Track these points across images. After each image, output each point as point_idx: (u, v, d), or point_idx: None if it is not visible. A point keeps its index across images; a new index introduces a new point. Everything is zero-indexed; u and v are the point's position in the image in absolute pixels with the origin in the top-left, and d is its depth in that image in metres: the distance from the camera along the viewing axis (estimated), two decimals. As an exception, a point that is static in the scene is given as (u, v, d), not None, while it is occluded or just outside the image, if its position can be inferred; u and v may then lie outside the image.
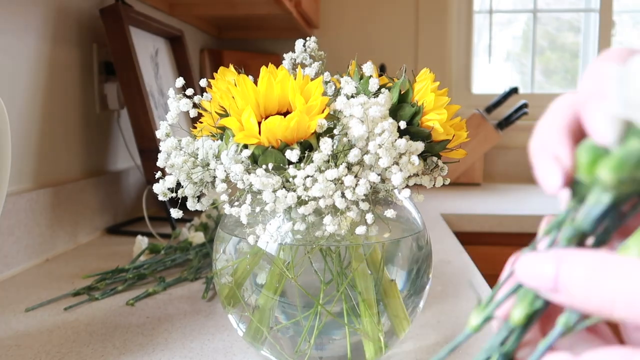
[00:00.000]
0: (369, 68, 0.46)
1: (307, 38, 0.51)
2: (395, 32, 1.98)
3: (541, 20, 2.06)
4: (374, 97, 0.43)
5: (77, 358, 0.54)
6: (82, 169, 1.03)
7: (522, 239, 1.39)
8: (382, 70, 1.85)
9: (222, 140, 0.45)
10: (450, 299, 0.71)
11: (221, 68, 0.49)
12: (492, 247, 1.38)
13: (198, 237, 0.90)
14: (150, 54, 1.17)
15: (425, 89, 0.45)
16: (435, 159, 0.47)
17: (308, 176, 0.40)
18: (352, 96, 0.43)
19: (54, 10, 0.93)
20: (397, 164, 0.41)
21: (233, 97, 0.43)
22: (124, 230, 1.07)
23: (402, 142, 0.41)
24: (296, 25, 1.65)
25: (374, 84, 0.44)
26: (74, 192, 0.96)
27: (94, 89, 1.06)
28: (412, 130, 0.44)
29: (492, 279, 0.88)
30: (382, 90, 0.44)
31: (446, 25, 1.96)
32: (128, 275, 0.76)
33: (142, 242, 0.87)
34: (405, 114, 0.44)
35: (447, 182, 0.48)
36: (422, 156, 0.45)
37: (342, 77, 0.48)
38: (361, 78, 0.47)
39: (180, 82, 0.47)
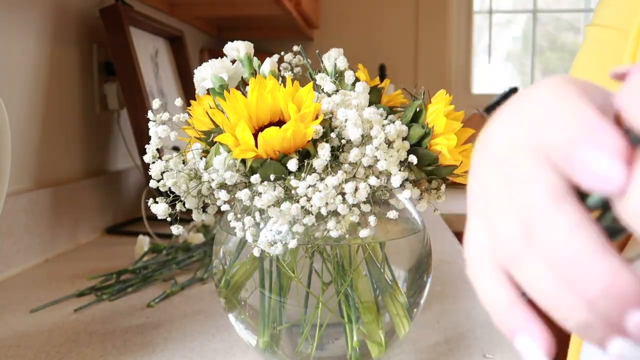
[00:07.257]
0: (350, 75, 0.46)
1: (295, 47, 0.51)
2: (395, 33, 1.98)
3: (541, 21, 2.06)
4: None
5: (77, 358, 0.54)
6: (82, 169, 1.03)
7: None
8: (382, 70, 1.85)
9: (209, 154, 0.45)
10: (450, 299, 0.71)
11: (198, 99, 0.48)
12: (492, 247, 1.37)
13: (197, 239, 0.90)
14: (150, 54, 1.17)
15: (438, 112, 0.43)
16: (439, 182, 0.46)
17: (310, 186, 0.40)
18: (333, 93, 0.44)
19: (54, 10, 0.93)
20: (391, 147, 0.41)
21: (224, 112, 0.42)
22: (124, 230, 1.07)
23: (392, 128, 0.41)
24: (296, 25, 1.65)
25: (349, 77, 0.45)
26: (74, 192, 0.96)
27: (94, 89, 1.06)
28: (419, 152, 0.43)
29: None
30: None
31: (446, 26, 1.96)
32: (135, 279, 0.74)
33: (144, 241, 0.87)
34: (414, 135, 0.43)
35: (437, 212, 0.48)
36: (428, 178, 0.45)
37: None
38: (357, 80, 0.46)
39: (156, 103, 0.46)
